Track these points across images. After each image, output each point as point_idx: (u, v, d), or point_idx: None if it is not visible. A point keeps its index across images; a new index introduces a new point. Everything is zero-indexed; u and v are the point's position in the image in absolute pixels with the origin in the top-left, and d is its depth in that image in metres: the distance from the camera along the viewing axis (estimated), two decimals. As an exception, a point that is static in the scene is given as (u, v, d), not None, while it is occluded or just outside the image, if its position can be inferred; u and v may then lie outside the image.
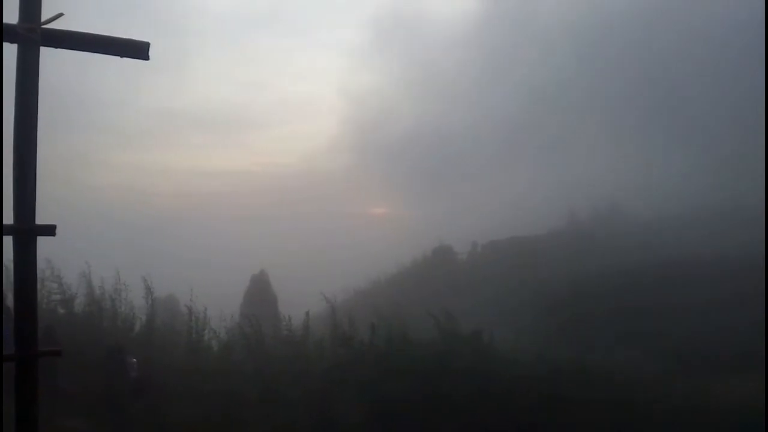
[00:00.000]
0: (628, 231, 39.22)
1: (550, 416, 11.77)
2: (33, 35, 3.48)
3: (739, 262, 25.76)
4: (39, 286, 15.79)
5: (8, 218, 3.44)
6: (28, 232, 3.42)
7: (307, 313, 16.00)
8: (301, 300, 21.97)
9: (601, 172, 55.04)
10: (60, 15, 3.62)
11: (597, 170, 55.96)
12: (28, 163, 3.44)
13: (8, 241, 3.42)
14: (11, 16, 3.50)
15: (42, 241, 3.74)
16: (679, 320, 22.49)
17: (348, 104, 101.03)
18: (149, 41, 3.83)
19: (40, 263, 15.48)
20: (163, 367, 14.37)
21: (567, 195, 52.26)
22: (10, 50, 3.52)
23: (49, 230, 3.52)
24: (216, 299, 18.22)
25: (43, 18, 3.60)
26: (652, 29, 63.93)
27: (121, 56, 3.77)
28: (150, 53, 3.88)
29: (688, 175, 47.22)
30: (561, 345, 19.12)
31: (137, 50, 3.80)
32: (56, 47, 3.66)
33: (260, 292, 34.77)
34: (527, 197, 57.73)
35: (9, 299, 8.83)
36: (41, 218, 3.60)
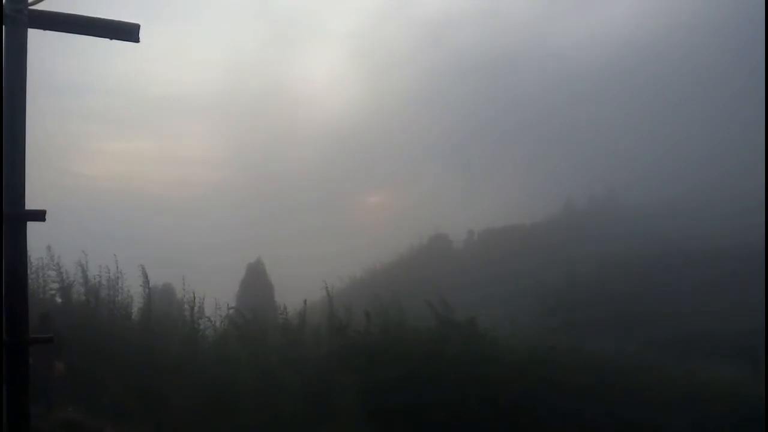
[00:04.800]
0: (625, 218, 39.32)
1: (544, 401, 11.81)
2: (20, 16, 3.42)
3: (735, 249, 25.86)
4: (36, 274, 15.84)
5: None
6: (17, 216, 3.37)
7: (305, 302, 15.96)
8: (298, 288, 21.96)
9: (598, 160, 55.10)
10: (47, -5, 3.56)
11: (593, 158, 56.02)
12: (17, 146, 3.39)
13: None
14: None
15: (39, 230, 3.70)
16: (676, 307, 22.58)
17: (346, 96, 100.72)
18: (140, 24, 3.77)
19: (40, 252, 15.50)
20: (161, 355, 14.38)
21: (563, 183, 52.34)
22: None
23: (39, 215, 3.47)
24: (212, 288, 18.19)
25: (31, -1, 3.53)
26: (654, 27, 63.94)
27: (111, 38, 3.70)
28: (142, 39, 3.81)
29: (684, 163, 47.28)
30: (557, 332, 19.17)
31: (127, 33, 3.73)
32: (44, 29, 3.60)
33: (256, 281, 34.77)
34: (523, 185, 57.79)
35: None
36: (35, 206, 3.55)
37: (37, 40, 3.64)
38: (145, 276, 16.50)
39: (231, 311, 16.75)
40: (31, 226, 3.57)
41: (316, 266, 33.85)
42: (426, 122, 79.58)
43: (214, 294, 17.37)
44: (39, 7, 3.55)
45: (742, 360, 14.58)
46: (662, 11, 69.25)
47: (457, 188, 65.15)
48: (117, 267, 16.61)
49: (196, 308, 15.70)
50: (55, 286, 16.72)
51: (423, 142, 75.21)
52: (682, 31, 61.43)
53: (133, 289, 16.64)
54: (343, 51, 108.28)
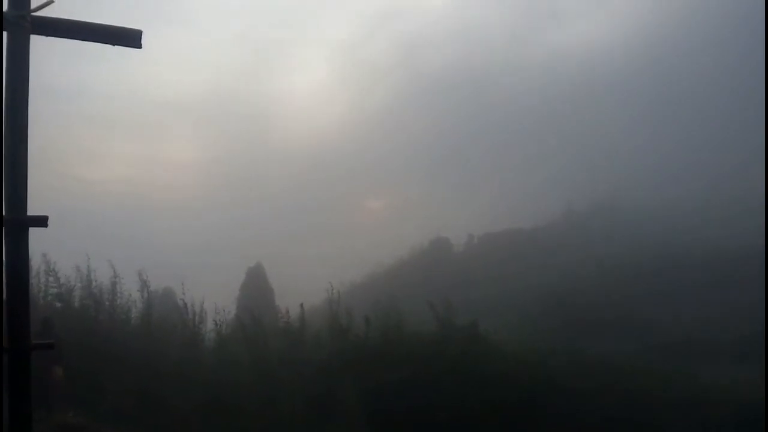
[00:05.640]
0: (625, 221, 39.29)
1: (544, 404, 11.79)
2: (23, 23, 3.42)
3: (736, 252, 25.82)
4: (36, 279, 15.81)
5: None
6: (19, 222, 3.37)
7: (302, 305, 15.95)
8: (298, 291, 21.94)
9: (598, 162, 55.10)
10: (50, 2, 3.56)
11: (593, 161, 56.02)
12: (19, 153, 3.39)
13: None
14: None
15: (39, 235, 3.68)
16: (675, 309, 22.55)
17: (346, 97, 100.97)
18: (141, 29, 3.77)
19: (38, 257, 15.46)
20: (161, 359, 14.36)
21: (564, 186, 52.35)
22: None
23: (41, 221, 3.47)
24: (212, 291, 18.18)
25: (33, 5, 3.54)
26: (655, 30, 64.13)
27: (113, 44, 3.70)
28: (144, 43, 3.81)
29: (684, 165, 47.24)
30: (557, 334, 19.14)
31: (129, 38, 3.73)
32: (47, 35, 3.59)
33: (257, 285, 34.73)
34: (523, 189, 57.78)
35: None
36: (36, 211, 3.55)
37: (37, 44, 3.64)
38: (143, 281, 16.46)
39: (234, 314, 16.76)
40: (32, 231, 3.56)
41: (317, 269, 33.87)
42: (425, 126, 79.66)
43: (214, 297, 17.38)
44: (41, 13, 3.56)
45: (742, 362, 14.56)
46: (662, 12, 69.42)
47: (458, 192, 65.17)
48: (115, 271, 16.59)
49: (196, 312, 15.71)
50: (54, 291, 16.69)
51: (423, 146, 75.28)
52: (681, 31, 61.54)
53: (134, 293, 16.64)
54: (340, 57, 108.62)
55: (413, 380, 12.15)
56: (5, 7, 3.43)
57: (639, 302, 23.97)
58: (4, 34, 3.42)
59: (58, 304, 16.67)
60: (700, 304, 22.68)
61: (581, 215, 45.81)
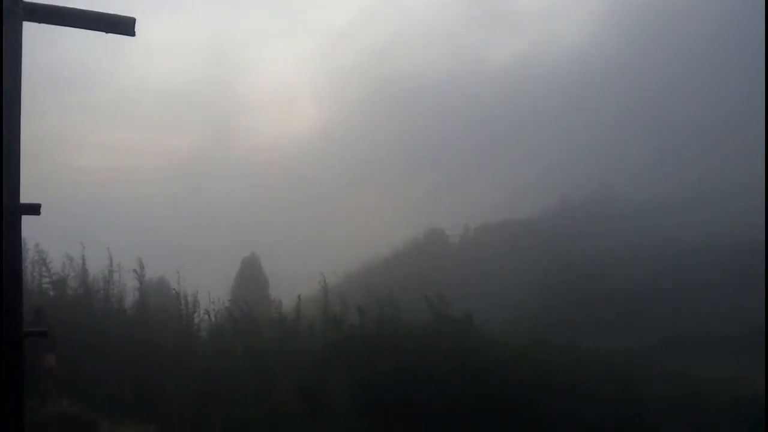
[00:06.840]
0: (621, 213, 39.36)
1: (538, 397, 11.82)
2: (16, 9, 3.40)
3: (733, 247, 25.87)
4: (29, 268, 15.72)
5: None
6: (12, 210, 3.36)
7: (299, 297, 15.93)
8: (292, 283, 21.95)
9: (594, 154, 55.16)
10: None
11: (590, 153, 56.07)
12: (12, 140, 3.38)
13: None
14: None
15: (32, 224, 3.67)
16: (672, 302, 22.63)
17: (338, 87, 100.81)
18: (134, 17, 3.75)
19: (31, 246, 15.35)
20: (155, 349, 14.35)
21: (560, 178, 52.42)
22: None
23: (34, 209, 3.46)
24: (206, 280, 18.14)
25: (26, -8, 3.51)
26: (651, 21, 64.16)
27: (107, 32, 3.69)
28: (137, 32, 3.79)
29: (681, 159, 47.34)
30: (553, 327, 19.20)
31: (123, 26, 3.72)
32: (40, 22, 3.57)
33: (251, 275, 34.76)
34: (520, 180, 57.82)
35: None
36: (28, 200, 3.54)
37: (34, 34, 3.62)
38: (140, 269, 16.38)
39: (226, 305, 16.75)
40: (26, 221, 3.55)
41: (312, 260, 33.86)
42: (422, 117, 79.62)
43: (208, 286, 17.34)
44: (34, 0, 3.53)
45: (739, 358, 14.59)
46: (659, 3, 69.36)
47: (454, 183, 65.18)
48: (111, 261, 16.52)
49: (190, 302, 15.70)
50: (47, 279, 16.63)
51: (420, 139, 75.32)
52: (679, 26, 61.51)
53: (128, 282, 16.56)
54: (333, 49, 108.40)
55: (404, 372, 12.16)
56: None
57: (633, 296, 24.05)
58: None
59: (52, 293, 16.62)
60: (695, 299, 22.74)
61: (576, 206, 45.85)
